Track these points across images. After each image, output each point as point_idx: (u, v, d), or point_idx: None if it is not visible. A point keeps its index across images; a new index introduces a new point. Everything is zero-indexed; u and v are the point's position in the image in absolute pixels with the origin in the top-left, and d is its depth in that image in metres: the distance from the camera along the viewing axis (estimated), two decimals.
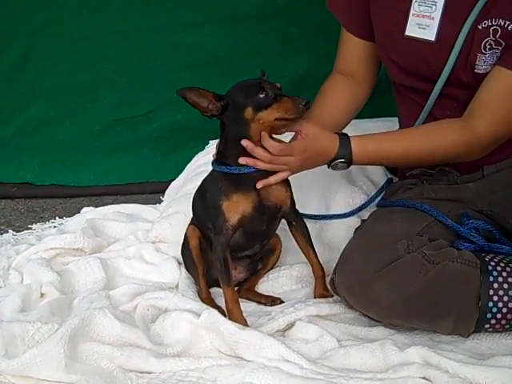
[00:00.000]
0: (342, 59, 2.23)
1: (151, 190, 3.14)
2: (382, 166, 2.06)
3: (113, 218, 2.61)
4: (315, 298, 2.07)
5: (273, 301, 2.07)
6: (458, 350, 1.78)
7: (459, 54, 1.92)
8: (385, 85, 2.26)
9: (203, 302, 2.04)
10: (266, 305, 2.07)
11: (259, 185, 1.89)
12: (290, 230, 2.06)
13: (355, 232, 2.09)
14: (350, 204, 2.30)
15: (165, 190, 3.08)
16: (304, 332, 1.85)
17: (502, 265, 1.86)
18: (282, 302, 2.07)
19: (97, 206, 2.91)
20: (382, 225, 1.96)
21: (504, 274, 1.84)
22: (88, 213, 2.76)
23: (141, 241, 2.43)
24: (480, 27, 1.90)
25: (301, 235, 2.04)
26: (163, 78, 3.13)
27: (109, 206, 2.80)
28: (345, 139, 1.93)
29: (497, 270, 1.84)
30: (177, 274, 2.22)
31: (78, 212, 2.87)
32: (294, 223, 2.04)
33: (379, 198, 2.30)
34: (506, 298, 1.81)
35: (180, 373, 1.70)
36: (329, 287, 2.04)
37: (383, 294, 1.81)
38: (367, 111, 2.33)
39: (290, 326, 1.92)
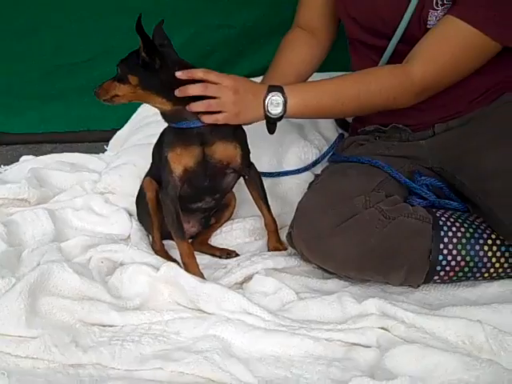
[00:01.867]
0: (303, 14, 2.23)
1: (92, 139, 3.08)
2: (319, 112, 2.00)
3: (56, 168, 2.54)
4: (269, 250, 2.10)
5: (228, 253, 2.08)
6: (410, 301, 1.84)
7: (415, 9, 1.93)
8: (339, 40, 2.26)
9: (157, 255, 2.04)
10: (220, 257, 2.08)
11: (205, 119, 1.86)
12: (245, 183, 2.06)
13: (309, 186, 2.12)
14: (303, 159, 2.32)
15: (106, 139, 3.04)
16: (262, 285, 1.87)
17: (452, 220, 1.92)
18: (237, 254, 2.08)
19: (35, 155, 2.84)
20: (338, 180, 1.98)
21: (453, 228, 1.90)
22: (29, 161, 2.68)
23: (88, 192, 2.39)
24: None
25: (254, 189, 2.05)
26: (106, 23, 3.03)
27: (50, 155, 2.73)
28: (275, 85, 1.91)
29: (447, 225, 1.90)
30: (127, 225, 2.20)
31: (16, 160, 2.80)
32: (247, 177, 2.04)
33: (331, 153, 2.32)
34: (454, 252, 1.88)
35: (143, 326, 1.70)
36: (283, 240, 2.07)
37: (340, 249, 1.85)
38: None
39: (247, 279, 1.94)
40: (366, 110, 2.01)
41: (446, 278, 1.91)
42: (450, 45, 1.90)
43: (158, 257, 1.99)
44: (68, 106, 3.13)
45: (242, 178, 2.06)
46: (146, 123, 2.58)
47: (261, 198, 2.05)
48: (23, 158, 2.77)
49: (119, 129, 3.08)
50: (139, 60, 1.82)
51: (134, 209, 2.26)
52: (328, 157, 2.32)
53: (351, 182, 1.96)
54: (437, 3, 1.91)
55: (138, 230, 2.17)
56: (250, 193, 2.07)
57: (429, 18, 1.93)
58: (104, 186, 2.35)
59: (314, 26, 2.21)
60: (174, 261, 2.02)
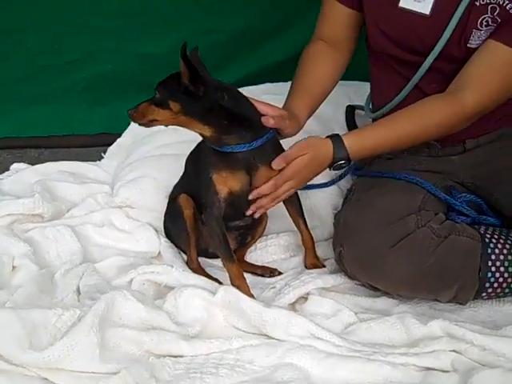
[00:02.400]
0: (325, 26, 2.17)
1: (78, 144, 2.95)
2: (379, 154, 2.06)
3: (60, 179, 2.40)
4: (306, 267, 2.07)
5: (271, 272, 2.03)
6: (463, 319, 1.86)
7: (455, 28, 1.92)
8: None
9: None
10: (263, 276, 2.03)
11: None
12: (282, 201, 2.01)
13: (346, 202, 2.09)
14: (328, 172, 2.27)
15: (93, 144, 2.92)
16: (320, 306, 1.83)
17: (496, 236, 1.94)
18: (280, 273, 2.03)
19: (21, 161, 2.70)
20: (383, 197, 1.96)
21: (499, 245, 1.92)
22: (24, 171, 2.52)
23: (102, 205, 2.27)
24: (478, 3, 1.90)
25: (292, 205, 2.01)
26: (94, 24, 2.89)
27: (46, 164, 2.57)
28: (338, 141, 1.89)
29: (493, 242, 1.92)
30: (156, 242, 2.11)
31: (2, 166, 2.62)
32: None
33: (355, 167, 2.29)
34: (502, 269, 1.90)
35: (214, 355, 1.63)
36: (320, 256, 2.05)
37: (395, 269, 1.84)
38: None
39: (298, 299, 1.89)
40: (429, 140, 2.03)
41: (493, 294, 1.93)
42: (497, 71, 1.91)
43: (206, 278, 1.91)
44: (52, 109, 2.98)
45: None
46: (152, 132, 2.47)
47: (298, 214, 2.02)
48: (15, 165, 2.62)
49: (105, 134, 2.98)
50: (180, 86, 1.74)
51: (157, 224, 2.17)
52: (351, 170, 2.27)
53: (398, 200, 1.94)
54: (481, 23, 1.90)
55: (169, 247, 2.08)
56: (287, 209, 2.02)
57: (471, 38, 1.92)
58: (122, 199, 2.24)
59: (337, 38, 2.16)
60: (216, 280, 1.95)
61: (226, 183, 1.82)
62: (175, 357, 1.61)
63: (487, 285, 1.90)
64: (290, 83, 2.76)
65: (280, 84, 2.73)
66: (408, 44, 2.00)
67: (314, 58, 2.14)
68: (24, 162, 2.68)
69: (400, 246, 1.83)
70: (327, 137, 1.89)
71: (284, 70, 2.97)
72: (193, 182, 1.98)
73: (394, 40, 2.02)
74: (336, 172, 2.27)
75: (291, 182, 1.85)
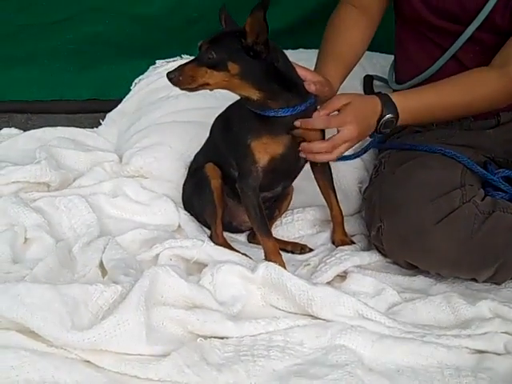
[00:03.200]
0: None
1: (67, 110, 2.76)
2: (425, 122, 1.95)
3: (61, 145, 2.23)
4: (334, 243, 1.98)
5: (302, 248, 1.92)
6: (499, 298, 1.78)
7: None
8: None
9: None
10: (293, 252, 1.92)
11: (298, 123, 1.74)
12: (313, 172, 1.91)
13: (377, 175, 1.98)
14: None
15: (83, 110, 2.75)
16: (361, 285, 1.74)
17: None
18: (310, 249, 1.93)
19: (7, 125, 2.52)
20: (422, 170, 1.87)
21: None
22: (18, 136, 2.34)
23: (111, 175, 2.11)
24: None
25: (324, 178, 1.91)
26: None
27: (43, 129, 2.41)
28: (385, 96, 1.81)
29: None
30: (175, 215, 1.97)
31: None
32: (318, 165, 1.89)
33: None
34: None
35: (262, 337, 1.52)
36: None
37: (439, 245, 1.76)
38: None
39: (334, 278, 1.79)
40: (471, 114, 1.96)
41: None
42: None
43: (240, 254, 1.78)
44: (38, 71, 2.78)
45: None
46: (160, 98, 2.33)
47: (330, 187, 1.92)
48: (5, 130, 2.44)
49: (95, 99, 2.80)
50: (241, 45, 1.60)
51: (175, 195, 2.03)
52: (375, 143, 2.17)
53: (439, 174, 1.86)
54: None
55: (191, 221, 1.95)
56: (317, 181, 1.92)
57: None
58: (135, 168, 2.09)
59: (367, 3, 2.06)
60: (245, 255, 1.83)
61: (266, 150, 1.71)
62: (221, 338, 1.49)
63: None
64: (294, 51, 2.67)
65: (289, 51, 2.58)
66: (448, 11, 1.91)
67: (343, 21, 2.04)
68: (11, 127, 2.50)
69: (445, 222, 1.74)
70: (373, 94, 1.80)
71: (286, 37, 2.86)
72: (221, 150, 1.85)
73: (433, 7, 1.92)
74: (360, 145, 2.19)
75: (347, 128, 1.73)
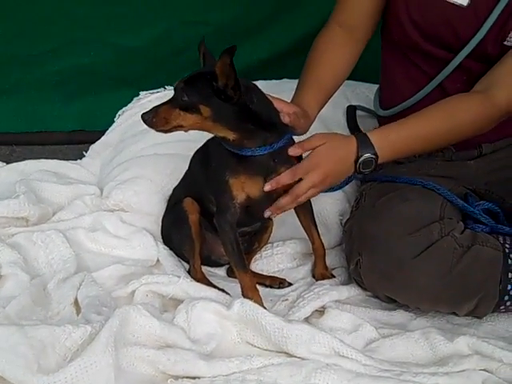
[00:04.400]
0: (344, 11, 2.02)
1: (53, 141, 2.76)
2: (406, 155, 1.91)
3: (43, 179, 2.22)
4: (314, 277, 1.96)
5: (280, 282, 1.91)
6: (480, 333, 1.77)
7: (493, 24, 1.82)
8: None
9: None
10: (272, 287, 1.90)
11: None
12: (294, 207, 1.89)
13: (358, 208, 1.97)
14: None
15: (68, 141, 2.75)
16: (339, 320, 1.72)
17: None
18: (289, 283, 1.91)
19: None
20: (401, 204, 1.85)
21: None
22: (1, 169, 2.34)
23: (91, 208, 2.10)
24: None
25: (305, 212, 1.89)
26: (70, 12, 2.70)
27: (25, 162, 2.39)
28: (362, 136, 1.77)
29: None
30: (154, 249, 1.95)
31: None
32: None
33: None
34: None
35: (235, 376, 1.49)
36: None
37: (418, 279, 1.74)
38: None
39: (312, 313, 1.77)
40: (453, 142, 1.93)
41: (511, 307, 1.84)
42: None
43: (216, 290, 1.77)
44: (22, 102, 2.78)
45: None
46: (141, 131, 2.31)
47: (311, 221, 1.90)
48: None
49: (82, 131, 2.80)
50: (212, 88, 1.59)
51: (154, 229, 2.02)
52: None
53: (419, 207, 1.84)
54: None
55: (169, 255, 1.94)
56: (298, 215, 1.91)
57: (509, 35, 1.83)
58: (115, 202, 2.08)
59: (354, 24, 2.02)
60: (222, 290, 1.82)
61: (243, 188, 1.69)
62: (193, 378, 1.47)
63: (506, 297, 1.81)
64: (278, 81, 2.67)
65: (273, 82, 2.59)
66: (440, 37, 1.89)
67: (327, 47, 2.00)
68: None
69: (424, 256, 1.73)
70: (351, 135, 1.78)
71: (270, 67, 2.88)
72: (200, 185, 1.84)
73: (424, 32, 1.90)
74: None
75: (312, 174, 1.69)
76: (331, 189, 2.10)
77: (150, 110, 1.63)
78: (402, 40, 1.97)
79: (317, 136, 1.75)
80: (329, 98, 1.98)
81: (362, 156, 1.73)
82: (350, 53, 2.02)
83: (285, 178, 1.70)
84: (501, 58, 1.86)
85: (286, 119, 1.73)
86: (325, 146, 1.72)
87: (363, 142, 1.74)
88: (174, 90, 1.64)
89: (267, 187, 1.69)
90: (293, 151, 1.72)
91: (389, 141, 1.78)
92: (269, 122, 1.67)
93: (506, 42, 1.84)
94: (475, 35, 1.84)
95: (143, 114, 1.62)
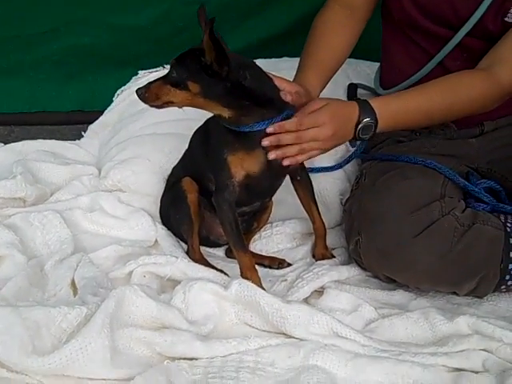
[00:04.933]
0: None
1: (51, 122, 2.74)
2: (406, 127, 1.89)
3: (40, 159, 2.21)
4: (314, 257, 1.94)
5: (280, 263, 1.89)
6: (481, 313, 1.75)
7: (492, 1, 1.79)
8: None
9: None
10: (271, 267, 1.88)
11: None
12: (293, 185, 1.88)
13: (358, 187, 1.95)
14: (332, 155, 2.13)
15: (67, 122, 2.73)
16: (338, 301, 1.70)
17: None
18: (288, 264, 1.89)
19: None
20: (402, 183, 1.83)
21: None
22: None
23: (89, 189, 2.08)
24: None
25: (305, 191, 1.87)
26: None
27: (22, 143, 2.38)
28: (363, 101, 1.75)
29: None
30: (152, 229, 1.94)
31: None
32: (299, 178, 1.86)
33: (362, 149, 2.15)
34: None
35: (232, 357, 1.48)
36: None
37: (418, 259, 1.72)
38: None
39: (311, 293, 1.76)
40: (454, 118, 1.90)
41: None
42: None
43: (214, 270, 1.75)
44: (21, 83, 2.75)
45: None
46: (140, 110, 2.29)
47: (311, 199, 1.88)
48: None
49: (80, 111, 2.78)
50: (201, 64, 1.57)
51: (153, 210, 2.00)
52: (358, 154, 2.13)
53: (419, 185, 1.82)
54: None
55: (168, 236, 1.92)
56: (298, 194, 1.88)
57: (510, 11, 1.80)
58: (112, 182, 2.06)
59: (354, 3, 1.99)
60: (221, 271, 1.80)
61: (242, 165, 1.67)
62: (190, 359, 1.46)
63: (507, 277, 1.79)
64: (278, 60, 2.65)
65: (273, 60, 2.56)
66: (440, 14, 1.86)
67: (327, 24, 1.98)
68: None
69: (424, 235, 1.71)
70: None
71: (270, 46, 2.85)
72: (199, 164, 1.82)
73: (424, 9, 1.88)
74: (341, 156, 2.16)
75: (319, 129, 1.65)
76: (331, 167, 2.09)
77: (145, 85, 1.64)
78: (401, 18, 1.95)
79: (316, 100, 1.73)
80: (330, 78, 1.96)
81: (362, 120, 1.71)
82: (350, 32, 2.00)
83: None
84: (502, 34, 1.84)
85: (288, 98, 1.70)
86: (329, 105, 1.68)
87: (364, 106, 1.72)
88: (170, 66, 1.62)
89: (269, 129, 1.64)
90: (294, 118, 1.68)
91: (390, 110, 1.76)
92: (265, 98, 1.64)
93: (506, 19, 1.81)
94: (475, 12, 1.81)
95: (137, 88, 1.63)
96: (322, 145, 1.68)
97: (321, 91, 1.91)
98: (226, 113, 1.63)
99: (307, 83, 1.85)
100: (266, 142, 1.64)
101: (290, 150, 1.65)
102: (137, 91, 1.62)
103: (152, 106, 1.64)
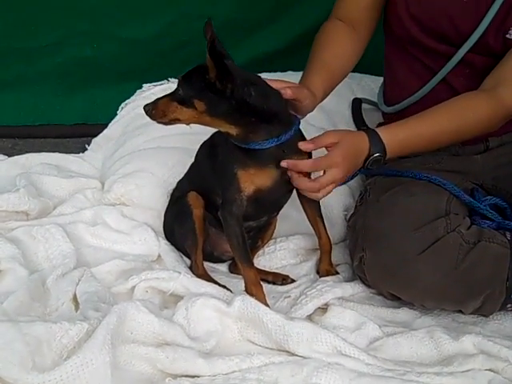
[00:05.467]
0: (345, 5, 2.01)
1: (55, 135, 2.73)
2: (413, 153, 1.90)
3: (44, 172, 2.20)
4: (319, 273, 1.92)
5: (284, 279, 1.87)
6: (487, 332, 1.73)
7: (494, 16, 1.79)
8: None
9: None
10: (274, 283, 1.87)
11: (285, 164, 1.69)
12: (300, 200, 1.86)
13: (362, 203, 1.94)
14: None
15: (71, 135, 2.73)
16: (341, 318, 1.69)
17: None
18: (292, 280, 1.88)
19: None
20: (407, 199, 1.82)
21: None
22: (1, 162, 2.30)
23: (93, 202, 2.07)
24: None
25: (312, 206, 1.85)
26: (73, 4, 2.67)
27: (26, 155, 2.37)
28: (372, 133, 1.76)
29: None
30: (155, 244, 1.92)
31: None
32: None
33: None
34: None
35: (235, 375, 1.47)
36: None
37: (423, 277, 1.71)
38: None
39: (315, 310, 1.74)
40: (460, 140, 1.90)
41: None
42: None
43: (217, 286, 1.74)
44: (25, 95, 2.75)
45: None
46: (144, 124, 2.28)
47: (317, 215, 1.86)
48: None
49: (84, 124, 2.77)
50: (205, 82, 1.56)
51: (156, 224, 1.99)
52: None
53: (424, 202, 1.81)
54: None
55: (171, 251, 1.91)
56: (305, 209, 1.87)
57: (511, 29, 1.80)
58: (116, 196, 2.05)
59: (356, 19, 2.00)
60: (225, 287, 1.79)
61: (253, 180, 1.66)
62: (192, 377, 1.44)
63: None
64: (283, 74, 2.64)
65: (277, 74, 2.56)
66: (440, 31, 1.87)
67: (332, 34, 1.98)
68: None
69: (429, 252, 1.70)
70: (358, 130, 1.75)
71: (275, 60, 2.84)
72: (206, 178, 1.81)
73: (424, 26, 1.88)
74: None
75: (335, 170, 1.68)
76: None
77: (152, 101, 1.64)
78: (403, 35, 1.95)
79: (328, 134, 1.73)
80: (334, 83, 1.95)
81: (372, 155, 1.73)
82: (352, 43, 2.00)
83: (304, 164, 1.68)
84: (504, 50, 1.84)
85: (287, 92, 1.69)
86: (341, 144, 1.69)
87: (374, 140, 1.73)
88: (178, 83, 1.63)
89: (284, 163, 1.66)
90: (304, 146, 1.69)
91: (398, 140, 1.77)
92: (270, 114, 1.63)
93: (508, 35, 1.81)
94: (476, 29, 1.81)
95: (145, 105, 1.64)
96: (335, 185, 1.73)
97: (325, 95, 1.90)
98: (233, 130, 1.62)
99: (312, 85, 1.83)
100: (284, 164, 1.66)
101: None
102: (144, 107, 1.63)
103: (159, 122, 1.64)
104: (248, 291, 1.70)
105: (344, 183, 2.04)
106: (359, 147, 1.72)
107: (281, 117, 1.65)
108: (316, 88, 1.84)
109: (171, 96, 1.61)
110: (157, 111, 1.61)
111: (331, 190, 1.73)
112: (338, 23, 2.00)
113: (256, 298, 1.66)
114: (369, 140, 1.72)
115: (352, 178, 2.07)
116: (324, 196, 1.73)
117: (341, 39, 1.98)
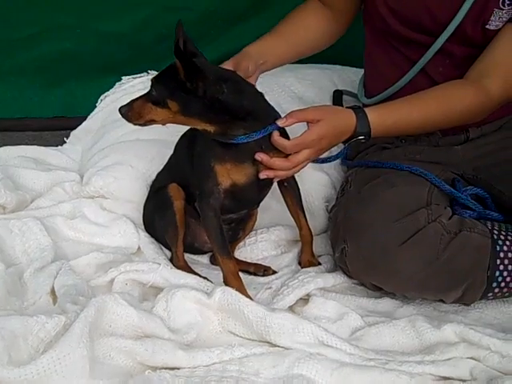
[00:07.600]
0: None
1: (33, 128, 2.69)
2: (395, 135, 1.91)
3: (22, 165, 2.17)
4: (300, 264, 1.92)
5: (265, 270, 1.86)
6: (468, 320, 1.73)
7: (471, 6, 1.78)
8: None
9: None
10: (256, 274, 1.86)
11: (259, 157, 1.68)
12: (281, 191, 1.85)
13: (343, 194, 1.93)
14: None
15: (49, 128, 2.69)
16: (324, 309, 1.68)
17: (503, 233, 1.82)
18: (274, 271, 1.87)
19: None
20: (387, 189, 1.81)
21: (507, 242, 1.80)
22: None
23: (71, 195, 2.05)
24: None
25: (292, 197, 1.85)
26: None
27: (3, 148, 2.33)
28: (361, 115, 1.74)
29: (501, 239, 1.79)
30: (134, 236, 1.91)
31: None
32: (286, 184, 1.84)
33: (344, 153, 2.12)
34: (510, 267, 1.78)
35: (215, 367, 1.45)
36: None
37: (404, 267, 1.70)
38: None
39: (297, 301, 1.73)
40: (444, 128, 1.90)
41: (499, 294, 1.81)
42: None
43: (198, 277, 1.72)
44: (3, 88, 2.71)
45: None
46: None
47: (298, 206, 1.85)
48: None
49: (62, 117, 2.74)
50: (177, 82, 1.55)
51: (135, 216, 1.97)
52: (343, 160, 2.11)
53: (405, 193, 1.80)
54: (503, 2, 1.77)
55: (150, 243, 1.89)
56: (285, 200, 1.86)
57: (491, 18, 1.79)
58: (95, 189, 2.02)
59: (334, 4, 2.00)
60: (205, 279, 1.77)
61: (229, 175, 1.65)
62: (172, 369, 1.42)
63: (494, 284, 1.77)
64: None
65: None
66: (418, 22, 1.85)
67: (301, 10, 1.99)
68: None
69: (410, 242, 1.69)
70: (348, 107, 1.73)
71: None
72: (185, 169, 1.79)
73: (403, 17, 1.87)
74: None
75: (307, 151, 1.67)
76: (317, 160, 2.04)
77: (127, 103, 1.64)
78: (380, 25, 1.94)
79: (312, 110, 1.71)
80: (295, 52, 1.97)
81: (357, 136, 1.72)
82: (326, 21, 2.00)
83: (279, 162, 1.67)
84: (485, 41, 1.83)
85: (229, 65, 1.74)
86: (322, 124, 1.67)
87: (361, 123, 1.72)
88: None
89: (258, 156, 1.65)
90: (284, 122, 1.66)
91: (386, 125, 1.76)
92: (245, 111, 1.62)
93: (488, 26, 1.80)
94: (453, 18, 1.80)
95: (120, 107, 1.64)
96: (309, 161, 1.72)
97: (281, 62, 1.92)
98: (209, 127, 1.62)
99: (262, 49, 1.85)
100: (258, 157, 1.65)
101: (281, 174, 1.69)
102: (120, 110, 1.63)
103: (136, 124, 1.64)
104: (227, 283, 1.69)
105: (323, 162, 2.03)
106: (343, 128, 1.71)
107: (256, 113, 1.64)
108: (267, 53, 1.85)
109: (145, 97, 1.61)
110: (132, 113, 1.62)
111: (304, 167, 1.72)
112: (316, 3, 2.01)
113: (235, 289, 1.64)
114: (356, 121, 1.70)
115: (335, 159, 2.05)
116: (296, 172, 1.72)
117: (313, 14, 1.98)
